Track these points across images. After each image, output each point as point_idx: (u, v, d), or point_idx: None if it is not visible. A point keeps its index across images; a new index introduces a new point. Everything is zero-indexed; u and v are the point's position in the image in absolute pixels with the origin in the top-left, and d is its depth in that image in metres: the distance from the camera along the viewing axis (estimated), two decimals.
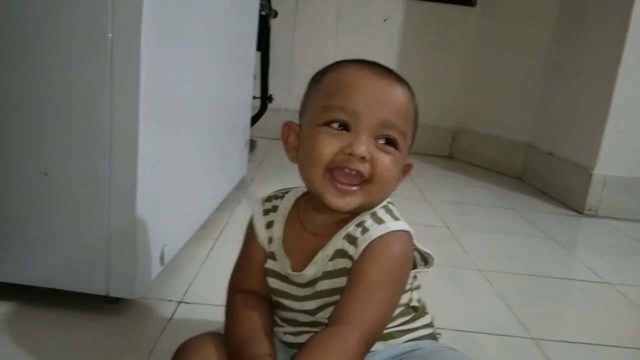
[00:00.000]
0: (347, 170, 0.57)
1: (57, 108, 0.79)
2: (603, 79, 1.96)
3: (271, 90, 2.34)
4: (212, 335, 0.62)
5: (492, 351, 0.93)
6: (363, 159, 0.57)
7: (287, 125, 0.64)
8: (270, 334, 0.63)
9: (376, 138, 0.58)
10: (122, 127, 0.79)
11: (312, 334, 0.62)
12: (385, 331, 0.62)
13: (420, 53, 2.82)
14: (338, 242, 0.61)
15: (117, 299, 0.89)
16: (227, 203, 1.47)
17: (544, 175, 2.31)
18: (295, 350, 0.63)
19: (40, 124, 0.80)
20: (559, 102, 2.30)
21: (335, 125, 0.58)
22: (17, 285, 0.86)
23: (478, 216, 1.86)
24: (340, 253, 0.60)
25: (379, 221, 0.61)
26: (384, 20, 2.76)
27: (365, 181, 0.58)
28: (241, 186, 1.71)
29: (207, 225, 1.25)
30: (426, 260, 0.68)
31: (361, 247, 0.59)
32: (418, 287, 0.70)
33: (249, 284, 0.67)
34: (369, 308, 0.57)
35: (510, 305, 1.11)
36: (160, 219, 0.92)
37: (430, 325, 0.70)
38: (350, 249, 0.60)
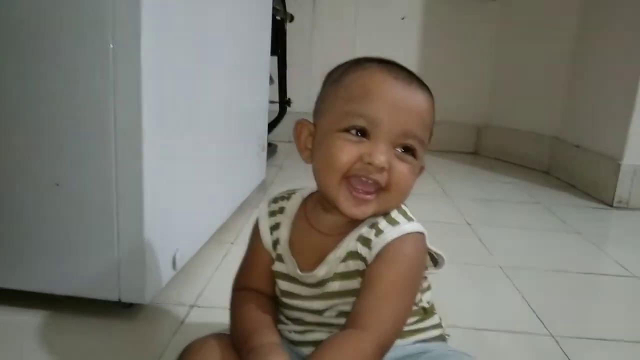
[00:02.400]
0: (364, 179, 0.56)
1: (66, 122, 0.81)
2: (630, 67, 1.90)
3: (289, 94, 2.35)
4: (217, 336, 0.63)
5: (508, 349, 0.91)
6: (382, 169, 0.56)
7: (300, 123, 0.63)
8: (274, 326, 0.63)
9: (395, 146, 0.57)
10: (126, 135, 0.80)
11: (318, 332, 0.63)
12: None
13: (441, 50, 2.79)
14: (350, 243, 0.60)
15: (131, 304, 0.91)
16: (245, 207, 1.48)
17: (572, 168, 2.25)
18: (300, 349, 0.64)
19: (50, 136, 0.82)
20: (585, 93, 2.24)
21: (355, 131, 0.56)
22: (34, 293, 0.89)
23: (502, 212, 1.82)
24: (353, 255, 0.60)
25: (393, 222, 0.60)
26: (402, 19, 2.74)
27: (381, 189, 0.57)
28: (260, 190, 1.72)
29: (223, 229, 1.27)
30: (436, 261, 0.67)
31: (375, 250, 0.58)
32: (429, 288, 0.69)
33: (252, 284, 0.67)
34: (385, 313, 0.56)
35: (530, 301, 1.09)
36: (171, 225, 0.94)
37: (439, 326, 0.69)
38: (363, 251, 0.59)
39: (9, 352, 0.81)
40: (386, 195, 0.58)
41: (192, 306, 0.96)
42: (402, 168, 0.57)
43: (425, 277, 0.68)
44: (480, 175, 2.43)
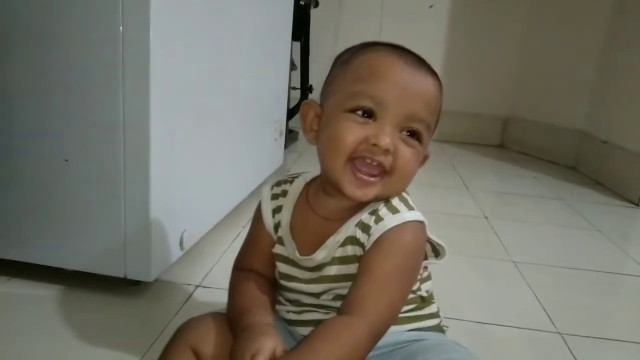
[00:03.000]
0: (368, 161, 0.56)
1: (76, 98, 0.82)
2: None
3: (312, 81, 2.34)
4: (214, 314, 0.63)
5: (512, 343, 0.90)
6: (387, 151, 0.55)
7: (307, 104, 0.62)
8: (270, 307, 0.63)
9: (401, 130, 0.57)
10: (133, 115, 0.81)
11: (314, 313, 0.63)
12: None
13: (468, 39, 2.73)
14: (350, 228, 0.59)
15: (138, 282, 0.92)
16: (260, 192, 1.48)
17: (598, 164, 2.19)
18: (296, 328, 0.64)
19: (59, 114, 0.84)
20: (614, 87, 2.17)
21: (361, 112, 0.56)
22: (46, 267, 0.91)
23: (522, 207, 1.79)
24: (352, 240, 0.59)
25: (394, 210, 0.59)
26: (430, 7, 2.70)
27: (385, 172, 0.57)
28: (278, 175, 1.72)
29: (236, 212, 1.28)
30: (438, 251, 0.66)
31: (374, 236, 0.58)
32: (429, 278, 0.68)
33: (252, 265, 0.68)
34: (380, 300, 0.56)
35: (540, 298, 1.06)
36: (178, 206, 0.95)
37: (436, 315, 0.68)
38: (362, 237, 0.59)
39: (16, 323, 0.83)
40: (389, 179, 0.57)
41: (197, 286, 0.97)
42: (406, 152, 0.57)
43: (426, 267, 0.67)
44: (504, 168, 2.39)
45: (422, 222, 0.60)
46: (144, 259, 0.87)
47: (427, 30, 2.73)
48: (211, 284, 0.99)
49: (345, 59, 0.61)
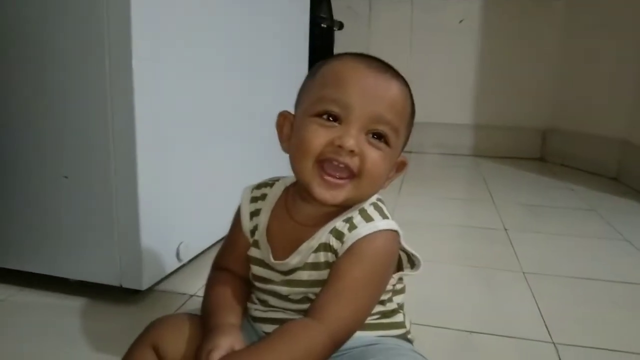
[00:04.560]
0: (335, 163, 0.57)
1: (73, 120, 0.90)
2: None
3: None
4: (180, 315, 0.66)
5: (500, 352, 0.88)
6: (352, 152, 0.57)
7: (283, 115, 0.64)
8: (239, 308, 0.65)
9: (367, 132, 0.58)
10: (121, 134, 0.88)
11: (280, 312, 0.64)
12: None
13: (501, 52, 2.70)
14: (324, 235, 0.61)
15: (137, 291, 0.98)
16: None
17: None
18: (260, 325, 0.66)
19: (59, 134, 0.92)
20: None
21: (327, 116, 0.58)
22: (51, 277, 0.99)
23: (547, 218, 1.73)
24: (325, 247, 0.61)
25: (368, 219, 0.60)
26: (460, 22, 2.69)
27: (353, 175, 0.58)
28: None
29: None
30: (413, 262, 0.67)
31: (347, 244, 0.59)
32: (402, 291, 0.69)
33: (229, 266, 0.70)
34: (344, 307, 0.57)
35: (542, 308, 1.03)
36: (173, 220, 1.00)
37: (402, 325, 0.67)
38: (336, 244, 0.60)
39: (22, 328, 0.91)
40: (358, 182, 0.58)
41: (191, 295, 1.02)
42: (373, 154, 0.58)
43: (401, 279, 0.68)
44: (540, 181, 2.32)
45: (395, 231, 0.61)
46: (136, 269, 0.93)
47: (459, 45, 2.72)
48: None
49: (313, 71, 0.63)
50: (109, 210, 0.91)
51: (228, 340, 0.56)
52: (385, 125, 0.58)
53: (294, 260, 0.62)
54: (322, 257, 0.61)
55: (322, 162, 0.58)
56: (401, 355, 0.61)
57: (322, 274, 0.61)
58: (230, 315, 0.63)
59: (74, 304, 0.98)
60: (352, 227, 0.60)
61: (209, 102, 1.11)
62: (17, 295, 1.01)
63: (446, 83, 2.72)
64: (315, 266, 0.61)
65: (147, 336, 0.64)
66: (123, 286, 0.94)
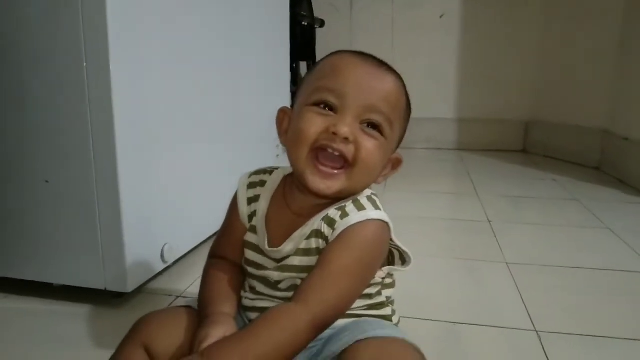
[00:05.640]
0: (330, 151, 0.58)
1: (51, 126, 0.90)
2: None
3: None
4: (168, 309, 0.67)
5: (482, 342, 0.89)
6: (346, 139, 0.58)
7: (282, 110, 0.66)
8: (234, 297, 0.66)
9: (362, 122, 0.59)
10: (100, 137, 0.88)
11: (266, 301, 0.65)
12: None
13: (482, 45, 2.72)
14: (316, 222, 0.62)
15: (122, 294, 0.98)
16: None
17: (621, 163, 2.11)
18: (249, 314, 0.66)
19: (39, 138, 0.91)
20: (633, 82, 2.09)
21: (323, 106, 0.59)
22: (35, 283, 0.98)
23: (530, 209, 1.75)
24: (317, 233, 0.61)
25: (360, 207, 0.61)
26: (441, 17, 2.70)
27: (348, 165, 0.59)
28: None
29: None
30: (404, 259, 0.67)
31: (338, 231, 0.60)
32: (392, 285, 0.70)
33: (225, 254, 0.70)
34: (329, 292, 0.58)
35: (525, 297, 1.05)
36: (156, 222, 1.00)
37: (388, 319, 0.67)
38: (327, 231, 0.61)
39: (8, 335, 0.90)
40: (353, 171, 0.59)
41: (177, 297, 1.02)
42: (367, 143, 0.59)
43: (391, 275, 0.69)
44: (524, 173, 2.34)
45: (386, 223, 0.62)
46: (120, 272, 0.93)
47: (440, 41, 2.73)
48: (193, 293, 1.03)
49: (312, 68, 0.66)
50: (92, 213, 0.91)
51: (220, 330, 0.57)
52: (380, 115, 0.60)
53: (287, 247, 0.63)
54: (313, 243, 0.62)
55: (317, 152, 0.59)
56: (383, 327, 0.62)
57: (313, 260, 0.61)
58: (224, 304, 0.63)
59: (59, 308, 0.98)
60: (344, 214, 0.60)
61: (189, 102, 1.11)
62: (1, 302, 1.00)
63: (428, 78, 2.74)
64: (306, 252, 0.62)
65: (136, 335, 0.63)
66: (108, 289, 0.94)
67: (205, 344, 0.55)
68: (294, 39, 1.75)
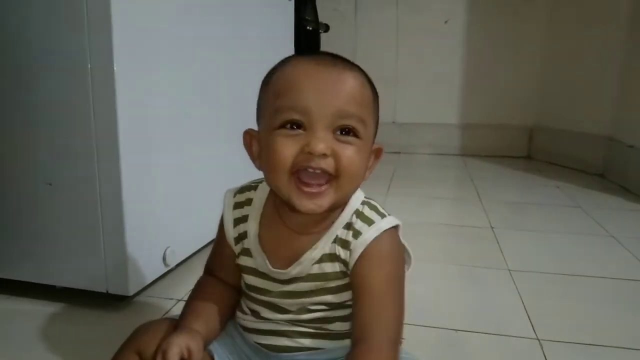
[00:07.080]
0: (311, 170, 0.55)
1: (56, 126, 0.90)
2: None
3: None
4: (164, 320, 0.67)
5: (484, 350, 0.88)
6: (324, 155, 0.55)
7: (248, 133, 0.62)
8: (211, 317, 0.65)
9: (334, 130, 0.56)
10: (104, 139, 0.88)
11: (273, 323, 0.64)
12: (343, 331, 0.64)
13: (486, 51, 2.72)
14: (327, 245, 0.60)
15: (124, 297, 0.98)
16: None
17: (625, 170, 2.10)
18: (252, 335, 0.66)
19: (42, 140, 0.92)
20: (639, 87, 2.08)
21: (289, 126, 0.55)
22: (33, 284, 0.98)
23: (533, 216, 1.74)
24: (331, 257, 0.60)
25: (369, 222, 0.60)
26: (445, 22, 2.70)
27: (332, 178, 0.56)
28: None
29: None
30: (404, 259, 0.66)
31: (356, 252, 0.59)
32: None
33: (216, 272, 0.70)
34: (386, 314, 0.58)
35: (527, 304, 1.04)
36: (159, 226, 1.00)
37: None
38: (343, 253, 0.60)
39: (10, 336, 0.90)
40: (338, 182, 0.57)
41: (179, 300, 1.02)
42: (346, 151, 0.56)
43: None
44: (527, 179, 2.34)
45: (395, 226, 0.61)
46: (122, 275, 0.93)
47: (445, 46, 2.74)
48: None
49: (266, 81, 0.61)
50: (94, 216, 0.91)
51: (183, 339, 0.58)
52: (350, 119, 0.56)
53: (294, 270, 0.61)
54: (328, 267, 0.61)
55: (298, 174, 0.56)
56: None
57: (328, 284, 0.61)
58: (197, 322, 0.63)
59: (61, 310, 0.98)
60: (356, 233, 0.60)
61: (193, 105, 1.11)
62: (3, 303, 1.01)
63: (433, 83, 2.74)
64: (319, 277, 0.61)
65: (132, 342, 0.64)
66: (109, 292, 0.94)
67: (168, 352, 0.56)
68: (298, 43, 1.75)
